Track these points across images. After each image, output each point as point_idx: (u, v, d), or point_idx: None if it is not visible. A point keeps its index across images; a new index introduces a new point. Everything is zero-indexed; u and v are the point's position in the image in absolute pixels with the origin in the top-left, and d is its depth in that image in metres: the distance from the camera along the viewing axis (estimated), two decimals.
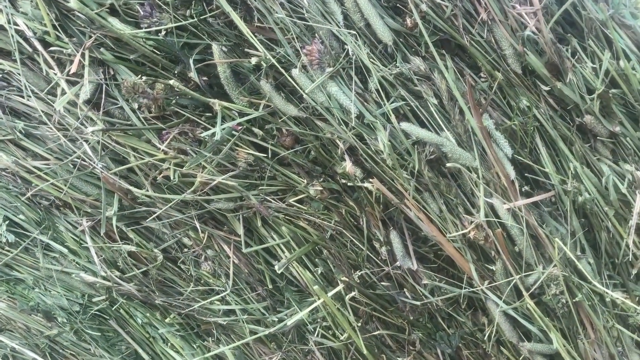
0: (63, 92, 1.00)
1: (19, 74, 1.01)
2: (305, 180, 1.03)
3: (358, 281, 1.05)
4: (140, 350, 1.20)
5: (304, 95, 0.91)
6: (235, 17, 0.89)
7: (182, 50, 0.97)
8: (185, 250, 1.13)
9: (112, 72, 1.01)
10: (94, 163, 1.03)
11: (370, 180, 0.96)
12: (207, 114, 1.02)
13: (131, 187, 1.04)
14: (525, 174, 0.97)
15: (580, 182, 0.96)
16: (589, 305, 0.98)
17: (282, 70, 0.91)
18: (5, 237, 1.08)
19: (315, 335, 1.11)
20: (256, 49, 0.95)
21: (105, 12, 0.95)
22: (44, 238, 1.12)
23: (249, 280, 1.12)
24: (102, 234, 1.07)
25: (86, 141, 1.04)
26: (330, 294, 1.05)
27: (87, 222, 1.11)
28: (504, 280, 0.97)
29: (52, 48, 1.00)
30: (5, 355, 1.19)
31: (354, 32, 0.92)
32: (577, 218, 0.98)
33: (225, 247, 1.10)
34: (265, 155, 1.01)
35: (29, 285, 1.16)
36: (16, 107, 1.06)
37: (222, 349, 1.16)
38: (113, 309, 1.16)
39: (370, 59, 0.92)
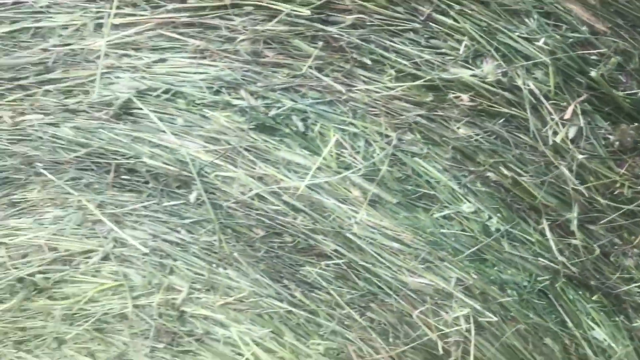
0: (554, 133, 1.50)
1: (524, 119, 1.53)
2: None
3: None
4: (566, 319, 1.65)
5: None
6: None
7: None
8: (616, 247, 1.57)
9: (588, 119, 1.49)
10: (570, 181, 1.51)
11: None
12: None
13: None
14: None
15: None
16: None
17: None
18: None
19: None
20: None
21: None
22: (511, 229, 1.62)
23: None
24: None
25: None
26: None
27: (546, 221, 1.59)
28: None
29: (550, 101, 1.50)
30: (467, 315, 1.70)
31: None
32: None
33: None
34: None
35: (490, 264, 1.67)
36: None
37: None
38: (556, 286, 1.62)
39: None
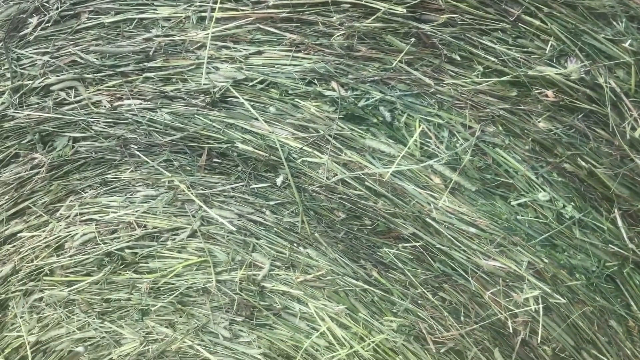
0: (632, 128, 1.61)
1: (603, 115, 1.64)
2: None
3: None
4: (631, 302, 1.77)
5: None
6: None
7: None
8: None
9: None
10: None
11: None
12: None
13: None
14: None
15: None
16: None
17: None
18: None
19: None
20: None
21: None
22: (583, 217, 1.74)
23: None
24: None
25: None
26: None
27: (618, 211, 1.71)
28: None
29: (630, 99, 1.62)
30: (537, 296, 1.83)
31: None
32: None
33: None
34: None
35: (561, 250, 1.79)
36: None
37: None
38: (623, 271, 1.74)
39: None
